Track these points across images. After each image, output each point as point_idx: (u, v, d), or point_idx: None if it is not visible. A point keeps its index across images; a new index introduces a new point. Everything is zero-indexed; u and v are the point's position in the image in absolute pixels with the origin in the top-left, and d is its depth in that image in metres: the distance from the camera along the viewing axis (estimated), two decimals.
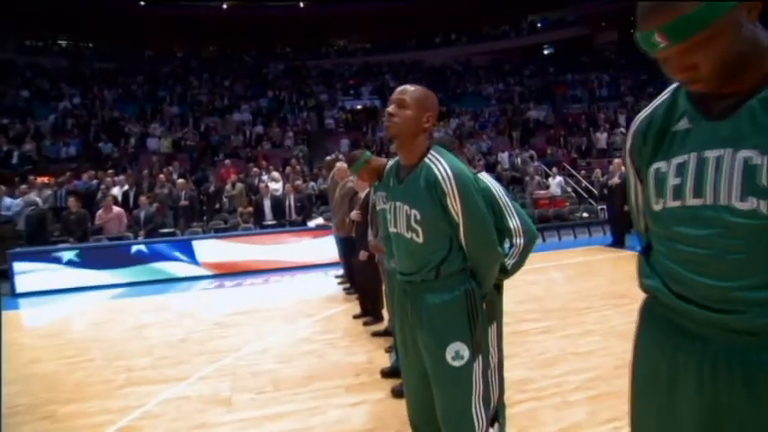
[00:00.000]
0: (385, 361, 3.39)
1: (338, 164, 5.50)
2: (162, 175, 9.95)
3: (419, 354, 1.63)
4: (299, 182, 9.43)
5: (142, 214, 8.04)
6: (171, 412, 2.81)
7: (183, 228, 8.64)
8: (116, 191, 9.28)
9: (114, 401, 3.00)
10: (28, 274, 6.79)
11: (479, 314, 1.59)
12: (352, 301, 5.27)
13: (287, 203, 8.10)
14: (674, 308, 0.94)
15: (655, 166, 0.96)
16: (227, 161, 11.99)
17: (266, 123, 15.87)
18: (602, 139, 15.84)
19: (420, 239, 1.57)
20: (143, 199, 8.36)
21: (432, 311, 1.57)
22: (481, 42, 26.28)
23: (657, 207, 0.95)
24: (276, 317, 4.85)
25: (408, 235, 1.60)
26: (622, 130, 16.34)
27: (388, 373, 3.17)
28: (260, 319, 4.82)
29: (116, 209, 7.89)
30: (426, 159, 1.60)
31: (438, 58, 24.48)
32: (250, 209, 8.69)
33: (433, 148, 1.63)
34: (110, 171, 10.57)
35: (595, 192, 12.21)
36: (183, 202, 9.08)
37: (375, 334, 4.07)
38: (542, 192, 10.59)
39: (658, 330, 0.99)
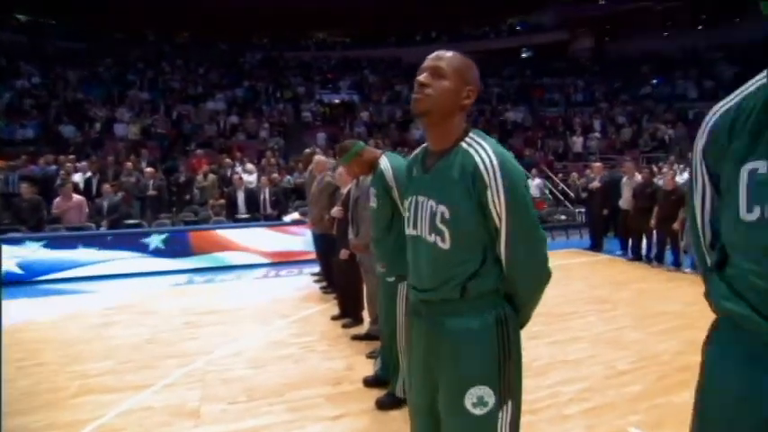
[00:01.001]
0: (367, 368, 3.19)
1: (316, 157, 5.25)
2: (129, 163, 9.41)
3: (431, 388, 1.33)
4: (275, 175, 9.09)
5: (105, 203, 7.56)
6: (131, 426, 2.52)
7: (151, 219, 8.19)
8: (77, 178, 8.71)
9: (64, 413, 2.68)
10: None
11: (513, 349, 1.27)
12: (330, 301, 5.04)
13: (262, 197, 7.77)
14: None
15: (750, 166, 0.80)
16: (200, 151, 11.50)
17: (241, 114, 15.38)
18: (578, 142, 16.05)
19: (446, 245, 1.26)
20: (107, 187, 7.86)
21: (452, 341, 1.27)
22: (461, 42, 26.27)
23: (751, 216, 0.78)
24: (249, 317, 4.57)
25: (431, 238, 1.29)
26: (597, 134, 16.63)
27: (371, 383, 2.96)
28: (232, 318, 4.53)
29: (76, 197, 7.38)
30: (463, 143, 1.28)
31: (417, 55, 23.66)
32: (222, 201, 8.31)
33: (473, 131, 1.32)
34: (71, 156, 9.95)
35: (572, 195, 12.32)
36: (151, 192, 8.61)
37: (355, 338, 3.86)
38: None
39: (744, 364, 0.82)
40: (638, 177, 7.07)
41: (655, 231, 6.62)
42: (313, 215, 5.01)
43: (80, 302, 5.38)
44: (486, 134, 1.32)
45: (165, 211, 8.70)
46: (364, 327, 4.10)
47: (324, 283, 5.61)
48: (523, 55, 28.48)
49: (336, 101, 18.82)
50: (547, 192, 12.04)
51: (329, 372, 3.20)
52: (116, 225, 7.31)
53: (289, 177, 9.58)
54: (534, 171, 11.71)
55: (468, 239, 1.25)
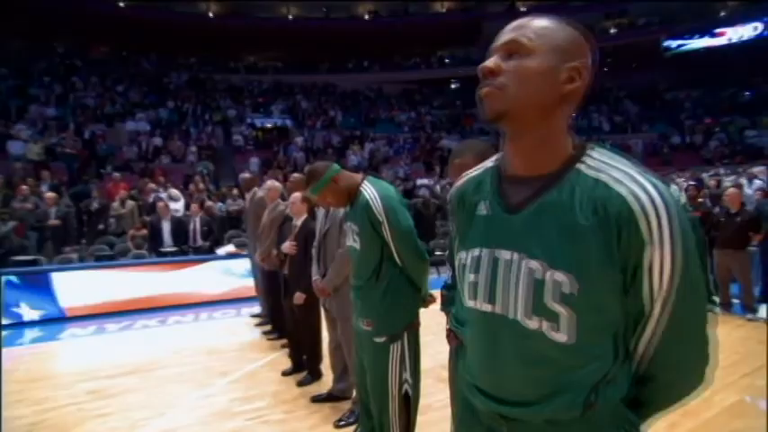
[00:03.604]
0: None
1: (269, 182, 4.60)
2: (25, 186, 7.99)
3: None
4: (209, 203, 8.17)
5: None
6: None
7: (52, 253, 6.94)
8: None
9: None
10: None
11: None
12: (277, 349, 4.35)
13: (191, 227, 6.85)
14: None
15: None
16: (117, 174, 10.22)
17: (166, 135, 14.16)
18: None
19: (563, 335, 0.78)
20: None
21: None
22: (393, 71, 26.82)
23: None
24: (178, 377, 3.73)
25: (532, 324, 0.81)
26: None
27: None
28: (155, 381, 3.66)
29: None
30: (582, 165, 0.81)
31: (350, 82, 24.53)
32: (144, 231, 7.25)
33: (589, 144, 0.85)
34: None
35: None
36: (54, 221, 7.34)
37: (315, 399, 3.21)
38: None
39: None
40: None
41: None
42: (262, 249, 4.32)
43: None
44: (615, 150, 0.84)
45: (72, 243, 7.45)
46: (324, 383, 3.47)
47: (268, 327, 4.88)
48: (452, 86, 29.54)
49: (269, 125, 18.13)
50: None
51: None
52: (2, 261, 6.05)
53: (221, 204, 8.69)
54: None
55: (601, 325, 0.80)
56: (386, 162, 15.80)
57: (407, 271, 2.09)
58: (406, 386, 2.10)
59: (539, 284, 0.79)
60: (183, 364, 4.01)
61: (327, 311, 3.05)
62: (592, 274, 0.76)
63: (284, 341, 4.42)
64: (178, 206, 8.18)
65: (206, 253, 6.69)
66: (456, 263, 0.97)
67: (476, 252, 0.89)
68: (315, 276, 2.95)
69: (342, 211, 2.58)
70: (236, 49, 24.60)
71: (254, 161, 13.44)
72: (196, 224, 6.86)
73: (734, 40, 21.78)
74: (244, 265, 6.21)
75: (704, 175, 12.73)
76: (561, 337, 0.78)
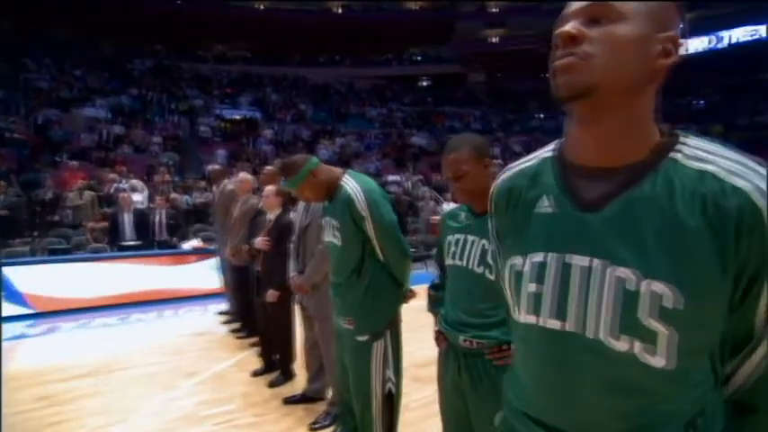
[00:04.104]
0: None
1: (241, 175, 4.41)
2: None
3: None
4: (173, 195, 7.83)
5: None
6: None
7: None
8: None
9: None
10: None
11: None
12: (246, 348, 4.18)
13: (154, 219, 6.53)
14: None
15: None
16: (73, 163, 9.67)
17: (127, 124, 13.53)
18: None
19: (660, 360, 0.64)
20: None
21: None
22: (364, 67, 26.69)
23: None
24: (141, 379, 3.52)
25: (620, 346, 0.66)
26: (500, 161, 17.56)
27: None
28: (115, 383, 3.43)
29: None
30: (677, 154, 0.68)
31: (321, 76, 24.26)
32: (103, 224, 6.87)
33: (681, 133, 0.71)
34: None
35: None
36: (0, 211, 6.86)
37: (288, 401, 3.08)
38: (437, 217, 10.49)
39: None
40: None
41: None
42: (233, 244, 4.13)
43: None
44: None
45: (22, 235, 6.98)
46: (296, 384, 3.35)
47: (236, 325, 4.70)
48: (423, 83, 29.66)
49: (237, 117, 17.65)
50: None
51: None
52: None
53: (186, 197, 8.36)
54: (447, 195, 11.77)
55: (702, 346, 0.68)
56: (356, 157, 15.67)
57: (390, 267, 2.03)
58: (389, 384, 2.05)
59: (630, 297, 0.64)
60: (145, 365, 3.79)
61: (304, 309, 2.93)
62: (699, 285, 0.62)
63: (254, 340, 4.26)
64: (140, 198, 7.81)
65: (171, 247, 6.40)
66: (505, 271, 0.81)
67: (538, 257, 0.73)
68: (292, 273, 2.83)
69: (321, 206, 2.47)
70: (204, 38, 23.86)
71: (222, 153, 13.04)
72: (161, 217, 6.54)
73: (689, 52, 22.84)
74: (211, 260, 5.98)
75: None
76: (658, 360, 0.64)
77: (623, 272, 0.65)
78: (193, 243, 6.42)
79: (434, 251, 2.00)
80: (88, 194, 7.57)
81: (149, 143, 12.83)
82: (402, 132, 19.60)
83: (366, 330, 2.01)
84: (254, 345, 4.17)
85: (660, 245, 0.64)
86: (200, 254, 6.21)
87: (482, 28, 26.38)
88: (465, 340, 1.54)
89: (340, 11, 25.75)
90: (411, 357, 2.35)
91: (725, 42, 22.31)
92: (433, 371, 3.62)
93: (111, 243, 6.35)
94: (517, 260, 0.77)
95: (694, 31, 22.89)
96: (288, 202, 3.57)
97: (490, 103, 25.77)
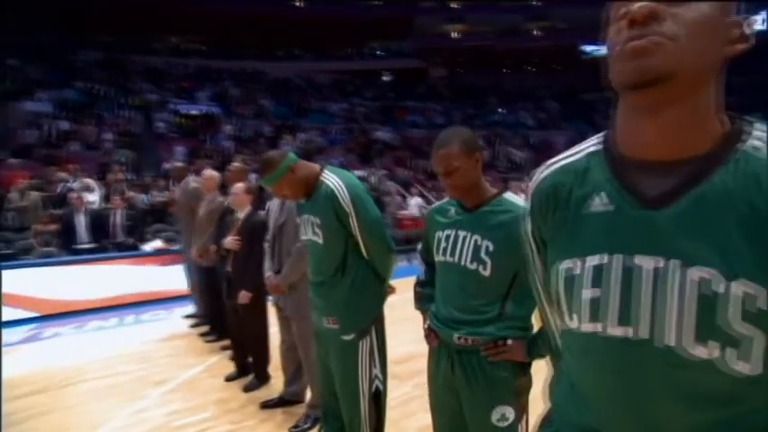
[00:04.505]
0: None
1: (206, 172, 4.22)
2: None
3: None
4: (130, 194, 7.43)
5: None
6: None
7: None
8: None
9: None
10: None
11: None
12: (216, 352, 4.03)
13: (112, 220, 6.18)
14: None
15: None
16: (14, 161, 9.02)
17: (75, 119, 12.76)
18: None
19: (747, 366, 0.60)
20: None
21: None
22: (324, 61, 26.40)
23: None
24: (103, 391, 3.31)
25: (701, 353, 0.61)
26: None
27: None
28: (73, 398, 3.21)
29: None
30: (747, 145, 0.64)
31: (281, 71, 23.81)
32: (53, 227, 6.44)
33: (745, 119, 0.68)
34: None
35: None
36: None
37: (266, 405, 2.99)
38: (405, 212, 10.51)
39: None
40: None
41: None
42: (199, 245, 3.96)
43: None
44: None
45: None
46: (272, 387, 3.25)
47: (205, 328, 4.52)
48: (384, 78, 29.64)
49: (194, 112, 17.02)
50: (423, 211, 12.25)
51: None
52: None
53: (144, 196, 7.97)
54: (414, 189, 11.82)
55: None
56: (320, 153, 15.46)
57: (374, 263, 2.01)
58: (376, 382, 2.03)
59: (713, 300, 0.59)
60: (108, 376, 3.56)
61: (280, 310, 2.84)
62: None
63: (225, 343, 4.12)
64: (94, 198, 7.37)
65: (130, 249, 6.08)
66: (552, 276, 0.76)
67: (596, 260, 0.67)
68: (268, 273, 2.73)
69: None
70: (156, 30, 22.83)
71: (180, 150, 12.52)
72: (119, 218, 6.19)
73: None
74: (174, 261, 5.72)
75: None
76: (744, 367, 0.59)
77: (705, 272, 0.60)
78: (154, 244, 6.13)
79: (419, 246, 1.96)
80: (34, 195, 7.05)
81: (101, 140, 12.14)
82: (365, 127, 19.51)
83: (352, 329, 1.97)
84: (224, 348, 4.03)
85: (744, 241, 0.59)
86: (163, 255, 5.94)
87: (442, 23, 26.61)
88: (459, 337, 1.52)
89: (299, 4, 25.30)
90: (388, 354, 2.32)
91: None
92: (410, 367, 3.64)
93: (63, 246, 5.96)
94: (569, 264, 0.71)
95: None
96: (257, 200, 3.46)
97: (451, 97, 26.04)
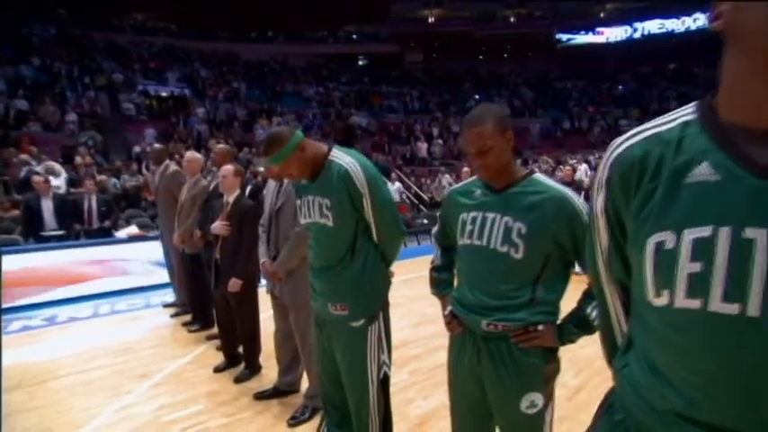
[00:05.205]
0: None
1: (189, 154, 4.01)
2: None
3: None
4: (102, 177, 7.04)
5: None
6: None
7: None
8: None
9: None
10: None
11: None
12: (203, 341, 3.87)
13: (87, 206, 5.81)
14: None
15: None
16: None
17: (33, 98, 12.03)
18: (422, 148, 16.86)
19: None
20: None
21: None
22: (298, 44, 25.83)
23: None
24: (84, 387, 3.10)
25: None
26: (440, 141, 17.76)
27: None
28: (52, 395, 3.00)
29: None
30: None
31: (254, 53, 23.16)
32: (14, 212, 6.04)
33: None
34: None
35: (426, 198, 12.75)
36: None
37: (260, 396, 2.87)
38: None
39: None
40: None
41: None
42: (181, 230, 3.75)
43: None
44: None
45: None
46: (264, 377, 3.13)
47: (187, 317, 4.33)
48: (360, 62, 29.24)
49: (164, 94, 16.37)
50: (404, 196, 12.18)
51: None
52: None
53: (115, 181, 7.59)
54: (393, 175, 11.72)
55: None
56: None
57: (383, 246, 1.92)
58: (384, 368, 1.96)
59: None
60: (86, 370, 3.35)
61: (276, 298, 2.71)
62: None
63: (210, 332, 3.97)
64: (59, 182, 6.97)
65: (104, 236, 5.76)
66: (637, 251, 0.72)
67: (701, 233, 0.64)
68: (263, 259, 2.59)
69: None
70: (119, 6, 21.69)
71: (150, 132, 12.02)
72: (92, 203, 5.84)
73: (610, 40, 24.36)
74: (151, 248, 5.47)
75: (591, 158, 14.06)
76: None
77: None
78: (129, 230, 5.84)
79: (433, 230, 1.87)
80: None
81: (63, 121, 11.50)
82: (341, 112, 19.22)
83: (362, 315, 1.89)
84: (210, 338, 3.88)
85: None
86: (138, 242, 5.66)
87: (419, 8, 26.34)
88: (489, 324, 1.44)
89: None
90: None
91: (639, 33, 23.96)
92: (404, 353, 3.58)
93: (28, 234, 5.59)
94: (661, 237, 0.67)
95: (614, 21, 24.42)
96: (247, 182, 3.29)
97: (427, 83, 25.93)
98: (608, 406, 0.82)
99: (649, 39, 23.74)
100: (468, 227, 1.51)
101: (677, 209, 0.67)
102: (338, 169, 1.82)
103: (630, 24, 23.99)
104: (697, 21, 21.76)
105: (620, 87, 24.28)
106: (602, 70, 25.17)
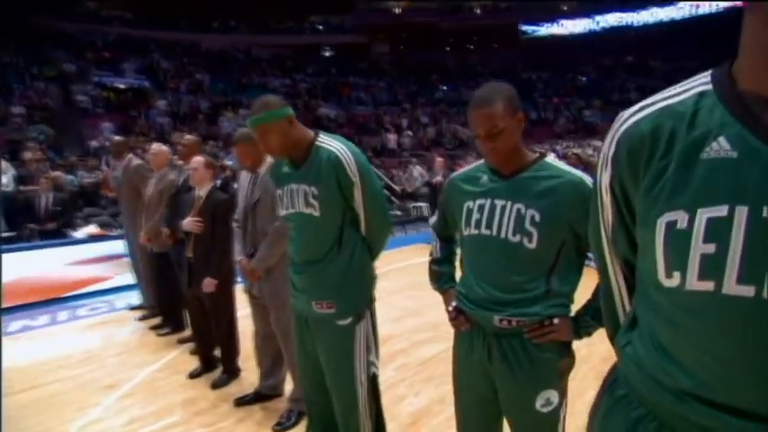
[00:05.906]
0: None
1: (155, 146, 3.72)
2: None
3: None
4: (56, 173, 6.57)
5: None
6: None
7: None
8: None
9: None
10: None
11: None
12: (174, 346, 3.63)
13: (41, 204, 5.37)
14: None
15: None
16: None
17: None
18: (392, 140, 16.76)
19: None
20: None
21: None
22: (262, 34, 25.22)
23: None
24: (44, 402, 2.82)
25: None
26: (410, 132, 17.69)
27: None
28: (13, 410, 2.70)
29: None
30: None
31: (216, 43, 22.45)
32: None
33: None
34: None
35: (397, 189, 12.65)
36: None
37: (241, 402, 2.69)
38: None
39: None
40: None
41: None
42: (149, 227, 3.50)
43: None
44: None
45: None
46: (244, 381, 2.95)
47: (156, 321, 4.07)
48: (326, 54, 28.85)
49: (121, 86, 15.59)
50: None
51: None
52: None
53: (71, 177, 7.12)
54: None
55: None
56: None
57: (371, 238, 1.81)
58: (372, 368, 1.86)
59: None
60: (47, 384, 3.06)
61: (254, 298, 2.54)
62: None
63: (181, 335, 3.75)
64: (6, 180, 6.47)
65: (59, 236, 5.37)
66: (647, 231, 0.68)
67: (716, 212, 0.60)
68: (239, 257, 2.41)
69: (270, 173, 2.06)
70: None
71: (107, 126, 11.42)
72: (46, 202, 5.40)
73: (573, 32, 24.95)
74: (111, 248, 5.13)
75: (557, 148, 14.31)
76: None
77: None
78: (88, 230, 5.46)
79: (431, 220, 1.75)
80: None
81: (9, 114, 10.75)
82: (308, 103, 18.86)
83: (349, 312, 1.77)
84: (182, 341, 3.66)
85: None
86: (99, 242, 5.30)
87: None
88: (501, 320, 1.34)
89: None
90: None
91: (600, 26, 24.64)
92: (388, 349, 3.47)
93: None
94: (672, 216, 0.63)
95: (576, 13, 24.98)
96: (222, 175, 3.08)
97: (395, 74, 25.81)
98: (611, 382, 0.80)
99: (609, 31, 24.43)
100: (475, 216, 1.39)
101: (691, 187, 0.63)
102: (328, 155, 1.67)
103: (591, 17, 24.61)
104: (654, 14, 22.52)
105: (583, 78, 24.88)
106: (566, 62, 25.72)
